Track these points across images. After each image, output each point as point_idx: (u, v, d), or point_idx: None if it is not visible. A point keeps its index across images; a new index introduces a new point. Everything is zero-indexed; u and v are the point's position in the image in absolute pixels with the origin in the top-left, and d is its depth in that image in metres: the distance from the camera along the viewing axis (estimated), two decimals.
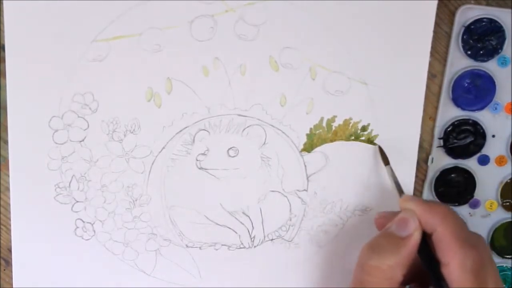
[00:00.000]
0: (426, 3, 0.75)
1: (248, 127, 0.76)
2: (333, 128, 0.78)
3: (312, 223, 0.81)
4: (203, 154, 0.77)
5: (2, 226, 0.76)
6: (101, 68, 0.72)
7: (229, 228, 0.80)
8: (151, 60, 0.72)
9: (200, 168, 0.77)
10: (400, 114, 0.78)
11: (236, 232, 0.80)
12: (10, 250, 0.77)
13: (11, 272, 0.77)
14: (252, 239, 0.81)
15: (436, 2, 0.75)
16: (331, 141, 0.78)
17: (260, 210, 0.80)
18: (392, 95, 0.77)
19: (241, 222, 0.80)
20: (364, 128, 0.78)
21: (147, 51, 0.72)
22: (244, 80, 0.74)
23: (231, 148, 0.77)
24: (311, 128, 0.77)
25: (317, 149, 0.79)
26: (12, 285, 0.77)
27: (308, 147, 0.78)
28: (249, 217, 0.80)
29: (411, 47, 0.76)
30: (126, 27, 0.71)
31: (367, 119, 0.78)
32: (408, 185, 0.81)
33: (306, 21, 0.73)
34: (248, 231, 0.80)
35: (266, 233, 0.81)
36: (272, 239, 0.81)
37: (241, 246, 0.81)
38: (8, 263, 0.78)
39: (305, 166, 0.79)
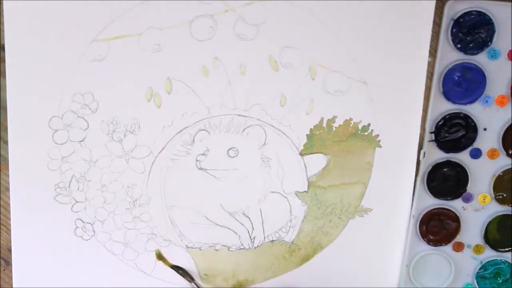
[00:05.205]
0: (424, 3, 0.73)
1: (248, 127, 0.74)
2: (334, 128, 0.76)
3: (313, 224, 0.80)
4: (203, 154, 0.75)
5: (2, 226, 0.75)
6: (101, 68, 0.70)
7: (229, 228, 0.78)
8: (151, 60, 0.70)
9: (200, 169, 0.75)
10: (400, 114, 0.76)
11: (236, 233, 0.78)
12: (10, 250, 0.75)
13: (11, 272, 0.76)
14: (252, 240, 0.79)
15: (434, 2, 0.73)
16: (332, 141, 0.76)
17: (260, 211, 0.78)
18: (392, 95, 0.75)
19: (241, 223, 0.78)
20: (364, 129, 0.76)
21: (147, 51, 0.70)
22: (244, 80, 0.72)
23: (231, 148, 0.75)
24: (311, 129, 0.75)
25: (317, 150, 0.76)
26: (12, 285, 0.76)
27: (308, 148, 0.76)
28: (249, 218, 0.78)
29: (410, 47, 0.74)
30: (126, 27, 0.69)
31: (367, 119, 0.76)
32: (408, 185, 0.79)
33: (306, 21, 0.71)
34: (248, 232, 0.79)
35: (266, 234, 0.79)
36: (272, 240, 0.80)
37: (241, 247, 0.79)
38: (8, 263, 0.76)
39: (305, 167, 0.77)
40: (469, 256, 0.83)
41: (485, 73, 0.76)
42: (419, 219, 0.80)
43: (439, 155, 0.79)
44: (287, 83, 0.73)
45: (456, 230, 0.81)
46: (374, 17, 0.72)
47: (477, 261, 0.84)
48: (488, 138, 0.78)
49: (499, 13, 0.74)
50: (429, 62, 0.74)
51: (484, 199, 0.81)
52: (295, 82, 0.73)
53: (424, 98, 0.76)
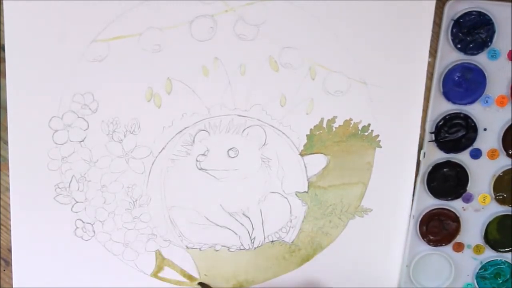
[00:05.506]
0: (424, 3, 0.72)
1: (248, 127, 0.74)
2: (334, 129, 0.75)
3: (313, 224, 0.79)
4: (203, 154, 0.74)
5: (2, 226, 0.74)
6: (101, 68, 0.70)
7: (229, 229, 0.78)
8: (151, 60, 0.70)
9: (200, 169, 0.75)
10: (400, 114, 0.76)
11: (236, 233, 0.78)
12: (10, 250, 0.75)
13: (11, 272, 0.75)
14: (252, 240, 0.79)
15: (434, 2, 0.72)
16: (332, 142, 0.76)
17: (260, 211, 0.78)
18: (392, 95, 0.75)
19: (241, 223, 0.78)
20: (364, 129, 0.76)
21: (147, 51, 0.70)
22: (244, 80, 0.72)
23: (231, 148, 0.74)
24: (311, 129, 0.75)
25: (318, 150, 0.76)
26: (12, 285, 0.76)
27: (309, 148, 0.76)
28: (249, 218, 0.78)
29: (410, 47, 0.74)
30: (126, 27, 0.69)
31: (367, 120, 0.76)
32: (408, 185, 0.79)
33: (306, 21, 0.71)
34: (248, 232, 0.78)
35: (266, 234, 0.79)
36: (272, 241, 0.79)
37: (241, 247, 0.79)
38: (8, 263, 0.76)
39: (306, 167, 0.77)
40: (469, 256, 0.83)
41: (485, 73, 0.75)
42: (419, 219, 0.80)
43: (439, 155, 0.78)
44: (287, 83, 0.72)
45: (456, 230, 0.81)
46: (374, 17, 0.71)
47: (477, 261, 0.83)
48: (488, 138, 0.78)
49: (499, 13, 0.73)
50: (429, 62, 0.74)
51: (484, 199, 0.80)
52: (295, 82, 0.72)
53: (424, 98, 0.76)
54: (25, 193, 0.72)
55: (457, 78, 0.75)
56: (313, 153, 0.76)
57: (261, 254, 0.79)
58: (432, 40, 0.74)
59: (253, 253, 0.79)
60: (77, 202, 0.73)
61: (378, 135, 0.76)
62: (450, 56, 0.75)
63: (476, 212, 0.81)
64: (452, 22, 0.73)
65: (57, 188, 0.73)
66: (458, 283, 0.83)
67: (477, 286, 0.83)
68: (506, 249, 0.83)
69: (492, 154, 0.78)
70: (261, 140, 0.74)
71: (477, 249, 0.82)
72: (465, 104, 0.76)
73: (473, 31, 0.74)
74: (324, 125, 0.75)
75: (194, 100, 0.72)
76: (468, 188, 0.79)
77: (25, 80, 0.68)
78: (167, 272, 0.78)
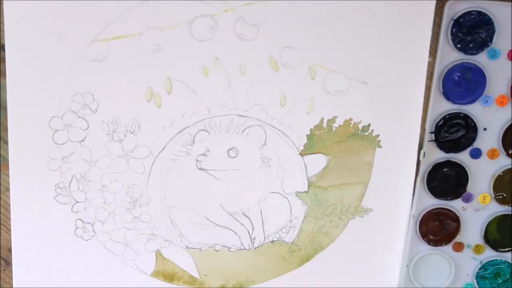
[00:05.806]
0: (424, 3, 0.72)
1: (248, 127, 0.74)
2: (334, 129, 0.75)
3: (313, 224, 0.79)
4: (203, 154, 0.74)
5: (2, 226, 0.74)
6: (101, 68, 0.69)
7: (229, 229, 0.78)
8: (151, 60, 0.70)
9: (200, 169, 0.75)
10: (400, 114, 0.76)
11: (236, 233, 0.78)
12: (10, 250, 0.75)
13: (11, 272, 0.75)
14: (253, 241, 0.79)
15: (434, 2, 0.72)
16: (332, 142, 0.76)
17: (261, 211, 0.78)
18: (392, 95, 0.75)
19: (241, 223, 0.78)
20: (364, 129, 0.76)
21: (147, 51, 0.69)
22: (244, 80, 0.72)
23: (231, 148, 0.74)
24: (311, 129, 0.75)
25: (318, 150, 0.76)
26: (12, 285, 0.76)
27: (309, 148, 0.76)
28: (249, 218, 0.78)
29: (410, 47, 0.73)
30: (126, 27, 0.69)
31: (367, 119, 0.75)
32: (408, 185, 0.79)
33: (306, 21, 0.71)
34: (248, 232, 0.78)
35: (267, 234, 0.79)
36: (272, 241, 0.79)
37: (242, 247, 0.79)
38: (8, 263, 0.76)
39: (306, 167, 0.77)
40: (469, 256, 0.83)
41: (485, 73, 0.75)
42: (419, 219, 0.80)
43: (439, 155, 0.78)
44: (287, 83, 0.72)
45: (456, 230, 0.81)
46: (374, 17, 0.71)
47: (477, 261, 0.83)
48: (488, 138, 0.78)
49: (499, 13, 0.73)
50: (429, 62, 0.74)
51: (484, 199, 0.80)
52: (295, 82, 0.72)
53: (424, 98, 0.75)
54: (25, 193, 0.72)
55: (457, 78, 0.75)
56: (313, 153, 0.76)
57: (261, 254, 0.79)
58: (432, 40, 0.73)
59: (253, 253, 0.78)
60: (77, 202, 0.73)
61: (378, 135, 0.76)
62: (450, 56, 0.74)
63: (476, 212, 0.81)
64: (452, 22, 0.73)
65: (57, 188, 0.72)
66: (458, 283, 0.83)
67: (477, 286, 0.83)
68: (506, 249, 0.82)
69: (492, 154, 0.78)
70: (261, 140, 0.74)
71: (477, 249, 0.82)
72: (465, 104, 0.76)
73: (473, 31, 0.73)
74: (324, 125, 0.74)
75: (194, 100, 0.71)
76: (468, 188, 0.79)
77: (25, 80, 0.68)
78: (167, 272, 0.78)
